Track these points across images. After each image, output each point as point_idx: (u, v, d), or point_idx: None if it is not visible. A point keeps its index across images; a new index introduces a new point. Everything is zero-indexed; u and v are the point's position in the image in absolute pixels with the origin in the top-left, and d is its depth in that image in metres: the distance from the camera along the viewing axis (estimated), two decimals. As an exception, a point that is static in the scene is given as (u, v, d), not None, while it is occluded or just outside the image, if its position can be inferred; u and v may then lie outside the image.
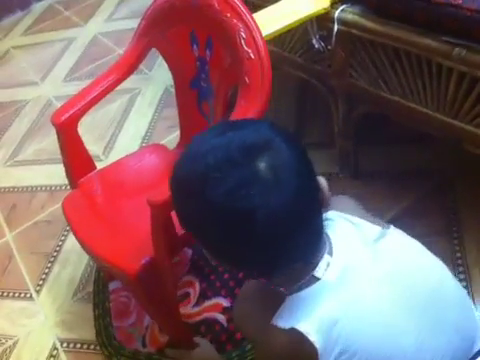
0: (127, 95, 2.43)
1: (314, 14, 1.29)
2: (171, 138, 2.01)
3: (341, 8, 1.29)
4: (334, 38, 1.32)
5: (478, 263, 1.36)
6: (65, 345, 1.50)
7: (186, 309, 1.46)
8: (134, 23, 1.38)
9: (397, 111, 1.34)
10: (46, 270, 1.74)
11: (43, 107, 2.56)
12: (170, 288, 1.28)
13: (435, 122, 1.24)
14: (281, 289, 0.85)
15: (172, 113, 1.52)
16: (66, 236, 1.81)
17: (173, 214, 1.08)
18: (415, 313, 0.75)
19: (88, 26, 3.17)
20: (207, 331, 1.40)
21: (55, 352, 1.49)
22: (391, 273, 0.77)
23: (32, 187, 2.10)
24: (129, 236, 1.24)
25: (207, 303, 1.47)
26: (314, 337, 0.71)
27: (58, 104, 2.39)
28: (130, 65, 1.37)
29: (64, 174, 1.44)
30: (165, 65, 1.44)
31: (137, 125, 2.26)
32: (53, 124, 1.32)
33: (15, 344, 1.56)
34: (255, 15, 1.26)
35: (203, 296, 1.48)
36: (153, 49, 1.38)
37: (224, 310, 1.43)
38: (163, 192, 1.03)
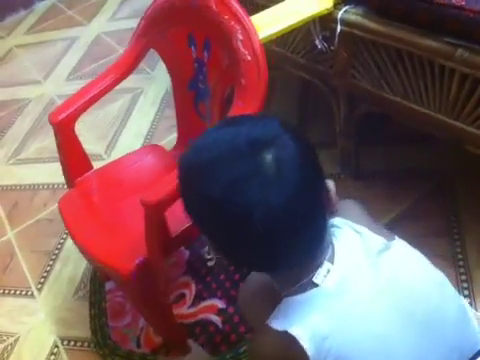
0: (129, 94, 2.43)
1: (317, 15, 1.30)
2: (173, 137, 1.99)
3: (344, 9, 1.30)
4: (337, 39, 1.33)
5: (479, 264, 1.36)
6: (66, 343, 1.51)
7: (181, 310, 1.45)
8: (137, 23, 1.38)
9: (399, 111, 1.34)
10: (47, 268, 1.74)
11: (46, 106, 2.56)
12: (163, 289, 1.27)
13: (437, 123, 1.25)
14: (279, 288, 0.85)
15: (174, 113, 1.53)
16: (67, 234, 1.80)
17: (167, 214, 1.09)
18: (412, 329, 0.74)
19: (91, 25, 3.17)
20: (202, 332, 1.39)
21: (56, 350, 1.50)
22: (390, 288, 0.75)
23: (34, 185, 2.10)
24: (124, 236, 1.24)
25: (203, 304, 1.46)
26: (306, 344, 0.70)
27: (60, 103, 2.39)
28: (129, 65, 1.37)
29: (66, 173, 1.44)
30: (166, 65, 1.44)
31: (139, 124, 2.26)
32: (50, 123, 1.32)
33: (16, 341, 1.56)
34: (259, 15, 1.27)
35: (199, 297, 1.48)
36: (155, 49, 1.39)
37: (219, 311, 1.43)
38: (157, 192, 1.04)
